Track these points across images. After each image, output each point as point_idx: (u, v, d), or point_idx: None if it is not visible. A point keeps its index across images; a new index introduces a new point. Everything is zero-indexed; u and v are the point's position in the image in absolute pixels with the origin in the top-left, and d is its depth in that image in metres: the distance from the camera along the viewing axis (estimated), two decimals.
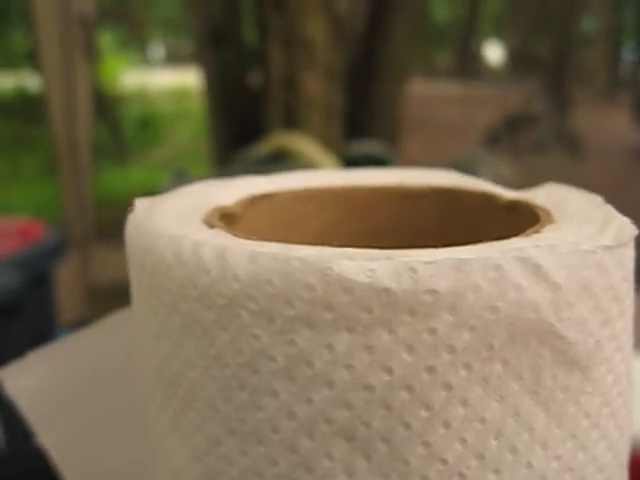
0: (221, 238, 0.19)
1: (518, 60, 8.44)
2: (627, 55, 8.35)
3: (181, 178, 0.92)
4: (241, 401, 0.18)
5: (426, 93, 5.99)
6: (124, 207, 0.25)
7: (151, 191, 0.31)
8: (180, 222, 0.21)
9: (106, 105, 4.33)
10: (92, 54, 1.85)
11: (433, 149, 3.92)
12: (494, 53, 9.51)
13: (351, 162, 0.92)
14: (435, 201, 0.27)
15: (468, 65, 8.85)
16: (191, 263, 0.18)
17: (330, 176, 0.28)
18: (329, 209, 0.27)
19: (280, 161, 0.94)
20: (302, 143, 0.91)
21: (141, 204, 0.23)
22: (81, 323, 0.33)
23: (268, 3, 2.00)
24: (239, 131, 2.08)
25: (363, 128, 2.25)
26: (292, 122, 2.00)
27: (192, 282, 0.18)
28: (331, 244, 0.19)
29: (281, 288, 0.17)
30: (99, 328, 0.30)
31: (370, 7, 2.40)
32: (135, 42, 7.42)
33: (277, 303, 0.17)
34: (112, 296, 0.85)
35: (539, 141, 4.76)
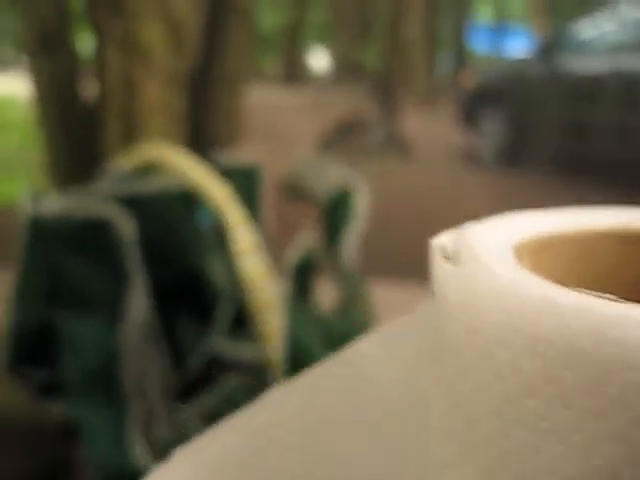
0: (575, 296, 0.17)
1: (344, 66, 8.66)
2: (443, 62, 8.78)
3: (38, 198, 0.86)
4: None
5: (257, 100, 5.99)
6: None
7: None
8: (502, 267, 0.19)
9: None
10: None
11: (268, 156, 3.93)
12: (320, 60, 9.71)
13: (221, 174, 0.90)
14: None
15: (295, 71, 8.98)
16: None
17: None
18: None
19: (148, 175, 0.90)
20: (172, 155, 0.88)
21: (441, 245, 0.21)
22: None
23: (102, 7, 1.93)
24: (75, 142, 1.99)
25: (205, 135, 2.23)
26: (132, 130, 1.94)
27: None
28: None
29: None
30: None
31: (208, 13, 2.37)
32: None
33: None
34: None
35: (370, 146, 4.90)
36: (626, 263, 0.25)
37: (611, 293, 0.20)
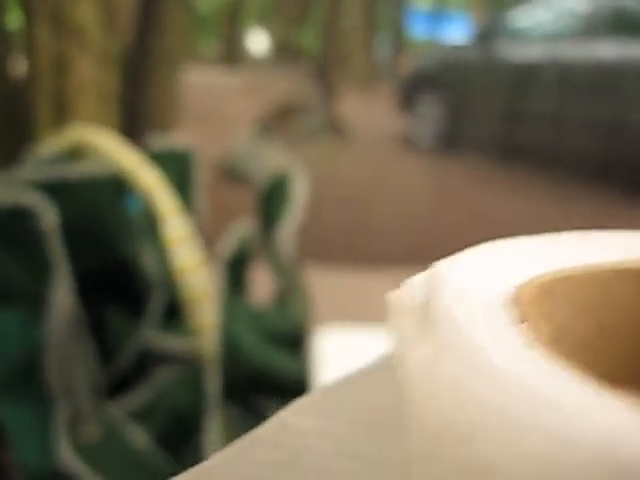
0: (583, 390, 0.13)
1: (282, 49, 8.60)
2: (381, 46, 8.80)
3: None
4: None
5: (194, 81, 5.91)
6: None
7: None
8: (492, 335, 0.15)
9: None
10: None
11: (206, 138, 3.87)
12: (258, 42, 9.62)
13: (152, 158, 0.86)
14: None
15: (233, 53, 8.88)
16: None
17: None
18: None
19: (76, 159, 0.86)
20: (100, 138, 0.84)
21: (402, 301, 0.16)
22: None
23: None
24: (3, 121, 1.92)
25: (140, 116, 2.17)
26: (63, 110, 1.88)
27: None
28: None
29: None
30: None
31: None
32: None
33: None
34: None
35: (308, 129, 4.88)
36: None
37: (635, 343, 0.17)
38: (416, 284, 0.18)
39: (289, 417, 0.23)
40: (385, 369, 0.23)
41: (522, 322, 0.16)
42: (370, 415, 0.21)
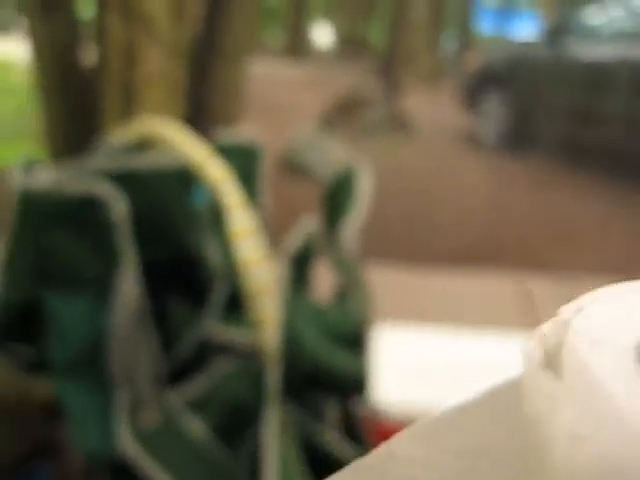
0: None
1: (347, 42, 8.59)
2: (448, 42, 8.71)
3: (30, 170, 0.82)
4: None
5: (259, 73, 5.95)
6: None
7: None
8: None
9: None
10: None
11: (269, 131, 3.89)
12: (324, 35, 9.63)
13: (219, 152, 0.86)
14: None
15: (298, 46, 8.90)
16: None
17: None
18: None
19: (145, 150, 0.87)
20: (170, 130, 0.85)
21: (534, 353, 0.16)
22: None
23: None
24: (73, 109, 1.96)
25: (206, 108, 2.20)
26: (130, 100, 1.91)
27: None
28: None
29: None
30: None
31: None
32: None
33: None
34: None
35: (371, 124, 4.86)
36: None
37: None
38: (546, 334, 0.17)
39: (396, 446, 0.22)
40: (496, 402, 0.23)
41: None
42: (478, 449, 0.21)
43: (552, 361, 0.16)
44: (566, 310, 0.18)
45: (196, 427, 0.79)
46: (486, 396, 0.24)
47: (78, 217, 0.75)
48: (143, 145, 0.88)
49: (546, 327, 0.18)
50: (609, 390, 0.14)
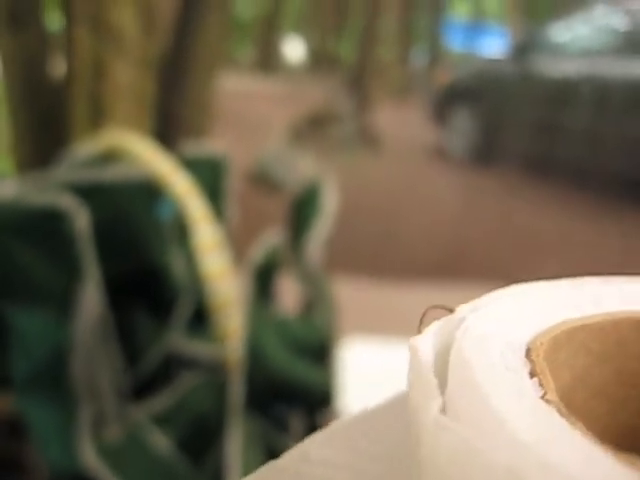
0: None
1: (318, 57, 8.62)
2: (417, 57, 8.78)
3: None
4: None
5: (229, 87, 5.95)
6: None
7: None
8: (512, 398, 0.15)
9: None
10: None
11: (239, 145, 3.89)
12: (295, 49, 9.66)
13: (185, 165, 0.86)
14: None
15: (269, 60, 8.92)
16: None
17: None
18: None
19: (111, 162, 0.87)
20: (135, 143, 0.84)
21: (421, 350, 0.16)
22: None
23: None
24: (40, 122, 1.95)
25: (175, 121, 2.19)
26: (99, 113, 1.89)
27: None
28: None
29: None
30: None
31: None
32: None
33: None
34: None
35: (341, 138, 4.88)
36: None
37: None
38: (436, 330, 0.18)
39: (310, 448, 0.23)
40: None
41: (535, 376, 0.15)
42: (391, 451, 0.21)
43: (440, 359, 0.17)
44: (461, 310, 0.19)
45: (160, 441, 0.79)
46: (399, 399, 0.24)
47: (39, 230, 0.74)
48: (109, 157, 0.87)
49: (439, 323, 0.18)
50: (483, 390, 0.15)
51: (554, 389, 0.15)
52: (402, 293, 2.40)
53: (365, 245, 3.15)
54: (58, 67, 1.97)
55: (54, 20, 2.05)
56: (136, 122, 1.91)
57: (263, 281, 0.86)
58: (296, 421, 0.83)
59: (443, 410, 0.15)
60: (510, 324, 0.18)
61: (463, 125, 5.16)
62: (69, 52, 1.88)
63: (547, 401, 0.15)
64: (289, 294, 1.04)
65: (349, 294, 1.57)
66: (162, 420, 0.79)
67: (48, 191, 0.76)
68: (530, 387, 0.15)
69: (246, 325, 0.76)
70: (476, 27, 9.67)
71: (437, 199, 4.04)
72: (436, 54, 8.84)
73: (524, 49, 5.11)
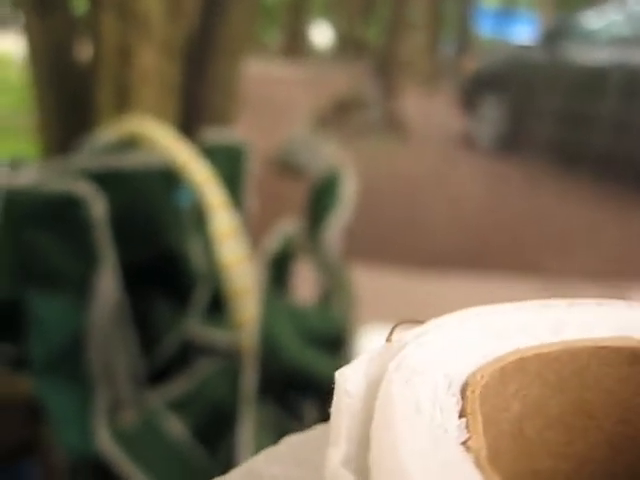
0: None
1: (346, 43, 8.59)
2: (446, 44, 8.71)
3: (17, 169, 0.82)
4: None
5: (256, 72, 5.95)
6: None
7: None
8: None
9: None
10: None
11: (264, 130, 3.90)
12: (322, 35, 9.62)
13: (205, 152, 0.87)
14: None
15: (297, 46, 8.90)
16: None
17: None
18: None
19: (131, 149, 0.87)
20: (155, 130, 0.85)
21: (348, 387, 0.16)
22: None
23: None
24: (67, 107, 1.96)
25: (201, 106, 2.19)
26: (124, 98, 1.90)
27: None
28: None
29: None
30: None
31: None
32: None
33: None
34: None
35: (367, 125, 4.86)
36: (636, 389, 0.18)
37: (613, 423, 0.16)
38: (373, 357, 0.17)
39: (260, 464, 0.22)
40: None
41: (463, 416, 0.15)
42: None
43: (370, 393, 0.16)
44: (408, 334, 0.18)
45: (175, 427, 0.79)
46: None
47: (58, 216, 0.75)
48: (129, 144, 0.88)
49: (376, 352, 0.17)
50: (398, 440, 0.14)
51: (481, 432, 0.14)
52: (426, 282, 2.39)
53: (390, 233, 3.14)
54: (84, 52, 1.98)
55: (81, 4, 2.06)
56: (161, 107, 1.92)
57: (278, 270, 0.86)
58: (311, 410, 0.83)
59: (348, 459, 0.14)
60: (454, 353, 0.17)
61: (491, 113, 5.12)
62: (95, 37, 1.89)
63: (467, 448, 0.14)
64: (307, 283, 1.04)
65: (370, 283, 1.57)
66: (178, 406, 0.79)
67: (66, 178, 0.76)
68: (454, 430, 0.15)
69: (259, 313, 0.76)
70: (506, 14, 9.57)
71: (463, 187, 4.01)
72: (465, 41, 8.76)
73: (554, 36, 5.05)
